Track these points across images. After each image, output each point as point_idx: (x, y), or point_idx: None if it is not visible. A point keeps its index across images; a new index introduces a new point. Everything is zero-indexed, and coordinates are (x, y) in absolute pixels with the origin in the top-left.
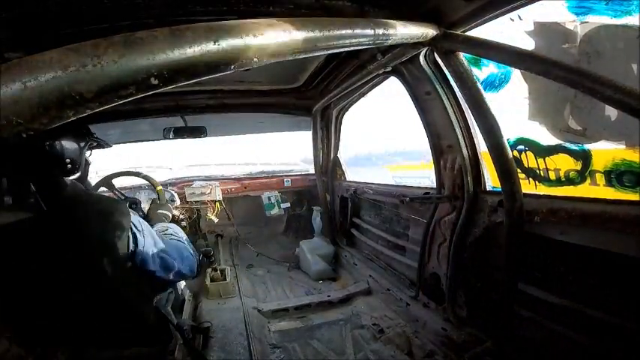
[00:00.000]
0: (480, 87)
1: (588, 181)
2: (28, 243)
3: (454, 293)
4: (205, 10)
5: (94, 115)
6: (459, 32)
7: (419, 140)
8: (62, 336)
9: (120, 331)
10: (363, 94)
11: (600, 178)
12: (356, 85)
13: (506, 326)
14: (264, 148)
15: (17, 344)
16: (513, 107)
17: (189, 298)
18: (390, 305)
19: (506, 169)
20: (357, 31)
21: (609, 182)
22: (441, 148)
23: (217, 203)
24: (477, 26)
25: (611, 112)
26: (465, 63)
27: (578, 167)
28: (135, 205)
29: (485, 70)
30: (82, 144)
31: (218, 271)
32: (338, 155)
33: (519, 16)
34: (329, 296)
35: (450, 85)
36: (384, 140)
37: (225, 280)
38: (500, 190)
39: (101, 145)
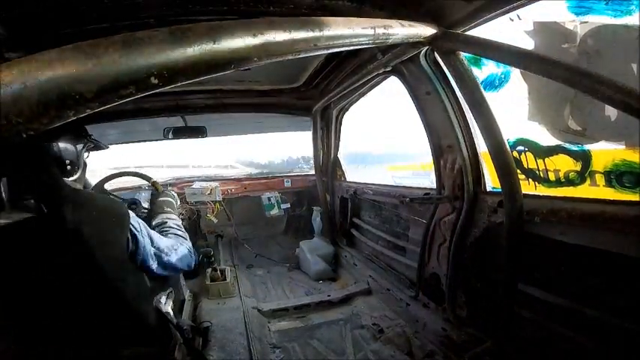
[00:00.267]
0: (480, 87)
1: (588, 181)
2: (28, 244)
3: (454, 293)
4: (205, 10)
5: (94, 115)
6: (459, 32)
7: (403, 143)
8: (62, 336)
9: (120, 331)
10: (363, 94)
11: (600, 179)
12: (356, 85)
13: (506, 326)
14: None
15: (17, 344)
16: (514, 107)
17: (189, 298)
18: (390, 305)
19: (506, 169)
20: (357, 30)
21: (609, 183)
22: (441, 148)
23: (217, 204)
24: (476, 26)
25: (611, 112)
26: (465, 63)
27: (578, 168)
28: (134, 205)
29: (485, 70)
30: (81, 145)
31: (218, 271)
32: (338, 155)
33: (519, 16)
34: (329, 296)
35: (450, 85)
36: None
37: (225, 280)
38: (500, 190)
39: (98, 146)
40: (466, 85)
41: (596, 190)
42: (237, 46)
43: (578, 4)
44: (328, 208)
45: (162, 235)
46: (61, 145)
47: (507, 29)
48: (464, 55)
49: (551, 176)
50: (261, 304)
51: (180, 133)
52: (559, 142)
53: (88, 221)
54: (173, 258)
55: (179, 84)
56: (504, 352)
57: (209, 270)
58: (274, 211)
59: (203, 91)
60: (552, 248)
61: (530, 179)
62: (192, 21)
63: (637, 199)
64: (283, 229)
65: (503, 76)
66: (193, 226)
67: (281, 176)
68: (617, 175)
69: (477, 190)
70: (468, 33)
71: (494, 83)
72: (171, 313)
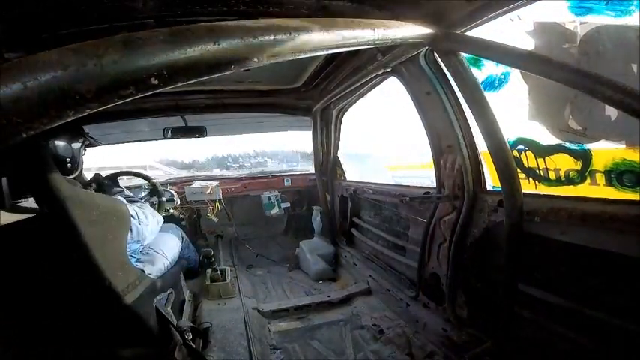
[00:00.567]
0: (480, 87)
1: (588, 180)
2: (29, 243)
3: (454, 293)
4: (205, 11)
5: (94, 115)
6: (458, 32)
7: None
8: (62, 336)
9: (120, 332)
10: (363, 94)
11: (600, 178)
12: (356, 85)
13: (506, 326)
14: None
15: (17, 344)
16: (515, 107)
17: (189, 298)
18: (390, 305)
19: (506, 169)
20: (357, 31)
21: (609, 182)
22: (441, 147)
23: (217, 203)
24: (477, 26)
25: (611, 112)
26: (465, 63)
27: (578, 167)
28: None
29: (485, 70)
30: (79, 143)
31: (218, 272)
32: (338, 155)
33: (519, 17)
34: (329, 296)
35: (450, 85)
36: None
37: (225, 280)
38: (500, 190)
39: (93, 144)
40: (466, 85)
41: (597, 190)
42: (237, 47)
43: (578, 4)
44: (328, 207)
45: None
46: (60, 143)
47: (507, 29)
48: (464, 56)
49: (552, 175)
50: (261, 305)
51: (180, 132)
52: (559, 142)
53: (89, 221)
54: (148, 226)
55: (179, 84)
56: (504, 352)
57: (209, 270)
58: (274, 211)
59: (203, 91)
60: (552, 248)
61: (530, 178)
62: (192, 21)
63: (637, 198)
64: (283, 228)
65: (502, 76)
66: (193, 226)
67: (281, 175)
68: (618, 175)
69: (477, 189)
70: (467, 33)
71: (493, 83)
72: (172, 313)
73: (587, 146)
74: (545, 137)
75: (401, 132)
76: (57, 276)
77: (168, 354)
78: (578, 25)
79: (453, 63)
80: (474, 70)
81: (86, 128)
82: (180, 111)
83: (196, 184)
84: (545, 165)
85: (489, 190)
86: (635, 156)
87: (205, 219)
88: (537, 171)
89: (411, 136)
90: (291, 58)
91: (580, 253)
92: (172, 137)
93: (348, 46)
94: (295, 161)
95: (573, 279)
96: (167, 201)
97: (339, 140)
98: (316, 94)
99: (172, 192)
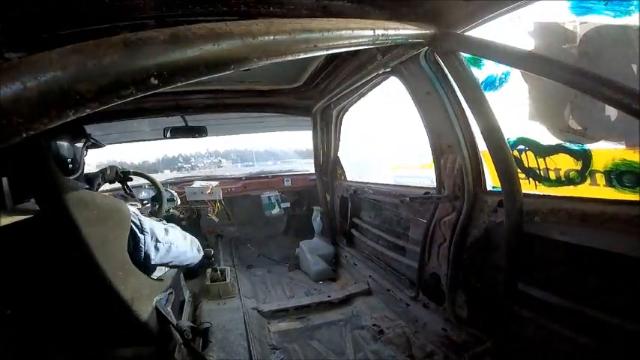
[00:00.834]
0: (480, 86)
1: (588, 181)
2: (30, 244)
3: (454, 293)
4: (205, 11)
5: (94, 115)
6: (458, 32)
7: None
8: (62, 336)
9: (120, 332)
10: (363, 94)
11: (600, 178)
12: (356, 85)
13: (506, 326)
14: None
15: (17, 344)
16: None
17: (189, 298)
18: (390, 306)
19: (506, 169)
20: (357, 31)
21: (609, 182)
22: (441, 147)
23: (217, 203)
24: (476, 26)
25: (611, 112)
26: (465, 63)
27: (578, 167)
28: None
29: (485, 70)
30: (81, 144)
31: (218, 272)
32: (338, 155)
33: (518, 16)
34: (329, 296)
35: (450, 85)
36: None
37: (225, 280)
38: (500, 190)
39: (96, 145)
40: (466, 84)
41: (597, 190)
42: (237, 47)
43: (578, 4)
44: (328, 207)
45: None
46: (62, 143)
47: (507, 29)
48: (464, 56)
49: (552, 175)
50: (261, 305)
51: (180, 132)
52: (559, 142)
53: (90, 221)
54: (174, 250)
55: (179, 84)
56: (504, 352)
57: (209, 270)
58: (275, 211)
59: (203, 91)
60: (552, 248)
61: (530, 178)
62: (193, 22)
63: (637, 198)
64: (283, 228)
65: (503, 76)
66: (193, 226)
67: (281, 175)
68: (618, 175)
69: (477, 189)
70: (467, 33)
71: (494, 83)
72: (171, 313)
73: (588, 146)
74: (546, 137)
75: (401, 132)
76: (57, 276)
77: (168, 354)
78: (578, 25)
79: (452, 63)
80: (474, 70)
81: (87, 128)
82: (181, 111)
83: (196, 184)
84: (546, 165)
85: (489, 190)
86: (635, 156)
87: (205, 219)
88: (537, 171)
89: (411, 136)
90: (291, 58)
91: (580, 253)
92: (173, 137)
93: (348, 46)
94: (251, 160)
95: (573, 279)
96: (167, 201)
97: (339, 140)
98: (316, 94)
99: (172, 192)
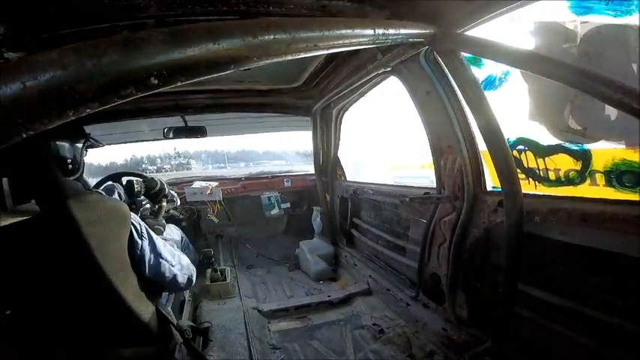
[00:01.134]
0: (480, 86)
1: (588, 181)
2: (30, 244)
3: (454, 293)
4: (205, 11)
5: (94, 115)
6: (458, 32)
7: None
8: (63, 336)
9: (120, 332)
10: (363, 94)
11: (600, 178)
12: (356, 85)
13: (506, 326)
14: None
15: (18, 344)
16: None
17: (189, 298)
18: (390, 305)
19: (506, 169)
20: (357, 31)
21: (609, 182)
22: (441, 148)
23: (217, 203)
24: (476, 26)
25: (611, 112)
26: (465, 62)
27: (578, 167)
28: (134, 205)
29: (485, 70)
30: (81, 144)
31: (218, 272)
32: (338, 155)
33: (519, 17)
34: (329, 296)
35: (450, 85)
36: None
37: (225, 280)
38: (500, 190)
39: (95, 145)
40: (466, 84)
41: (596, 190)
42: (237, 47)
43: (578, 4)
44: (328, 207)
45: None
46: (62, 144)
47: (507, 29)
48: (464, 55)
49: (552, 175)
50: (261, 305)
51: (180, 132)
52: (559, 142)
53: (90, 222)
54: (176, 269)
55: (179, 84)
56: (504, 352)
57: (209, 270)
58: (274, 211)
59: (203, 91)
60: (552, 248)
61: (530, 178)
62: (192, 21)
63: (637, 198)
64: (283, 229)
65: (502, 75)
66: (193, 225)
67: (281, 176)
68: (617, 175)
69: (477, 189)
70: (467, 33)
71: (493, 83)
72: (172, 313)
73: (587, 146)
74: (545, 137)
75: (401, 132)
76: (57, 276)
77: (169, 354)
78: (579, 24)
79: (452, 62)
80: (474, 70)
81: (87, 129)
82: (181, 111)
83: (196, 184)
84: (545, 165)
85: (489, 190)
86: (635, 156)
87: (205, 219)
88: (537, 171)
89: (411, 136)
90: (291, 58)
91: (580, 253)
92: (173, 137)
93: (348, 46)
94: (223, 162)
95: (573, 279)
96: (167, 201)
97: (339, 140)
98: (316, 93)
99: (172, 192)
